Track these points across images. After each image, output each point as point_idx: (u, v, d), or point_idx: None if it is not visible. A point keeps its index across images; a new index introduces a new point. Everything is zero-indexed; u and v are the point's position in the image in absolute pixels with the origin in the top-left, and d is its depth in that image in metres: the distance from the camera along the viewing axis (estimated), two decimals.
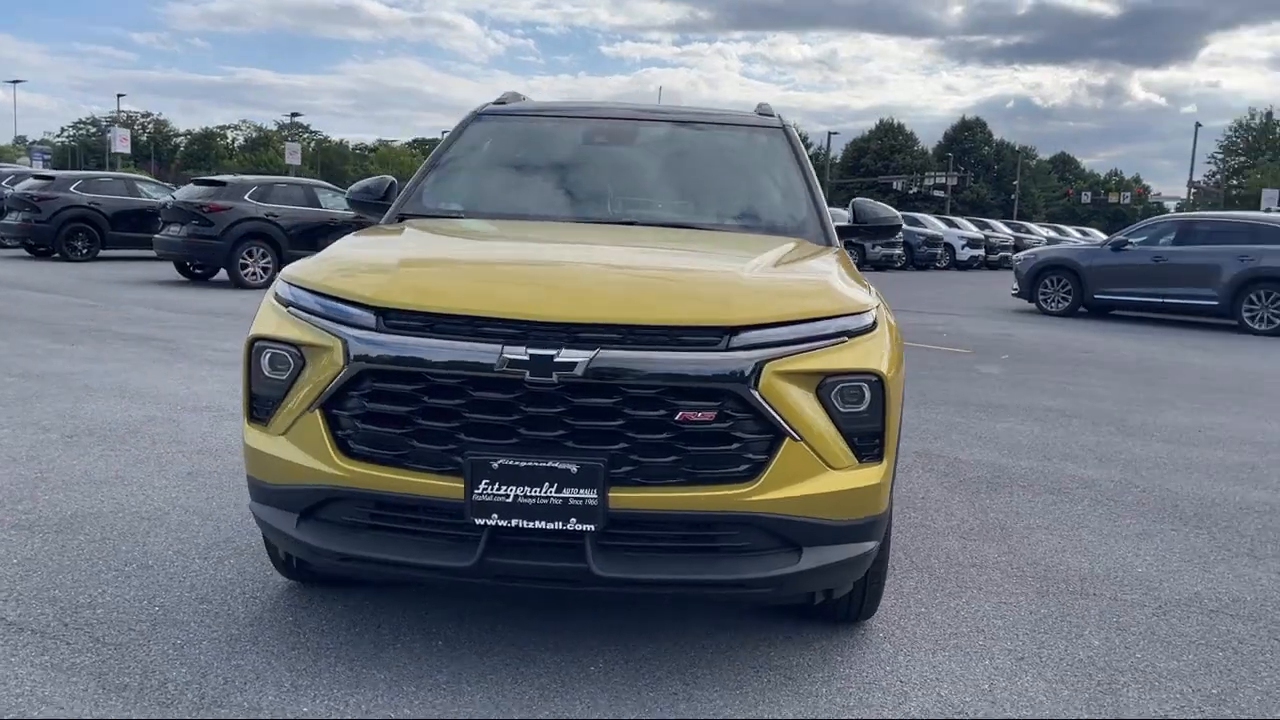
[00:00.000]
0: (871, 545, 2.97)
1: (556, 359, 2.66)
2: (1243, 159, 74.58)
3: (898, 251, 29.26)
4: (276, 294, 3.12)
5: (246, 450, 3.04)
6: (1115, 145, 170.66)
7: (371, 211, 4.39)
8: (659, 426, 2.71)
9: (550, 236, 3.77)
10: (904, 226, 16.23)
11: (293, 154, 59.30)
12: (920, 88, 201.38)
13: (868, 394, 2.87)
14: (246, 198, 15.89)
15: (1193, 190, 63.76)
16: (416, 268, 3.09)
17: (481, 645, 3.16)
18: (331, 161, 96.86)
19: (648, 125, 4.56)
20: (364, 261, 3.20)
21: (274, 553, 3.41)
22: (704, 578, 2.76)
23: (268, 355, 2.97)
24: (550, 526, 2.68)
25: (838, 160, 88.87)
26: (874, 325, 2.99)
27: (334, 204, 16.95)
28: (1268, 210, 19.54)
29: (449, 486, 2.72)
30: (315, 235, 16.15)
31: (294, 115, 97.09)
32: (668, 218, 4.13)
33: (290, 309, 3.00)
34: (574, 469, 2.65)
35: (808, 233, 4.00)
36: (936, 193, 73.84)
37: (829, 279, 3.16)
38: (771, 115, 4.74)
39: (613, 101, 5.71)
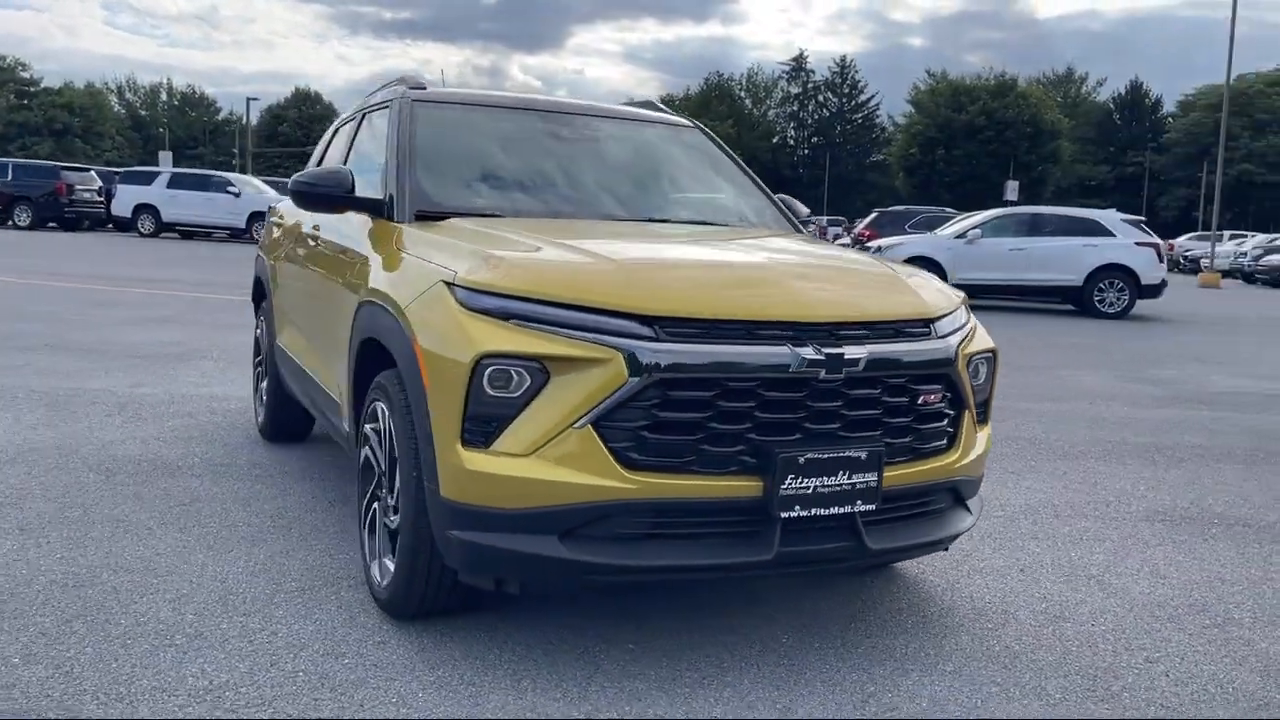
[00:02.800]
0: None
1: (846, 356, 2.87)
2: None
3: None
4: (476, 306, 2.86)
5: (466, 477, 2.79)
6: None
7: (325, 205, 3.91)
8: (905, 410, 3.06)
9: (671, 238, 3.81)
10: None
11: None
12: (312, 54, 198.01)
13: (984, 369, 3.45)
14: None
15: None
16: (652, 274, 3.02)
17: (667, 646, 3.20)
18: None
19: (596, 121, 4.53)
20: (573, 267, 3.02)
21: (421, 587, 3.08)
22: (931, 539, 3.19)
23: (489, 372, 2.76)
24: (840, 511, 2.90)
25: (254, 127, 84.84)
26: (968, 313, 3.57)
27: None
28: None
29: (742, 485, 2.82)
30: None
31: None
32: (686, 215, 4.28)
33: (518, 321, 2.81)
34: (863, 455, 2.90)
35: (785, 226, 4.41)
36: None
37: (922, 273, 3.66)
38: (675, 114, 4.98)
39: (532, 93, 5.48)
